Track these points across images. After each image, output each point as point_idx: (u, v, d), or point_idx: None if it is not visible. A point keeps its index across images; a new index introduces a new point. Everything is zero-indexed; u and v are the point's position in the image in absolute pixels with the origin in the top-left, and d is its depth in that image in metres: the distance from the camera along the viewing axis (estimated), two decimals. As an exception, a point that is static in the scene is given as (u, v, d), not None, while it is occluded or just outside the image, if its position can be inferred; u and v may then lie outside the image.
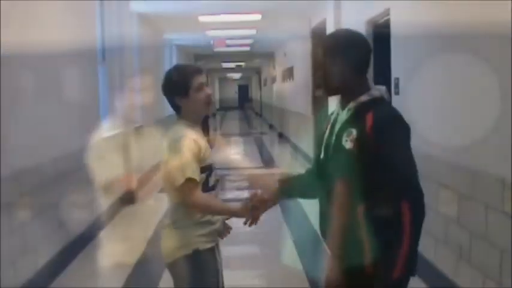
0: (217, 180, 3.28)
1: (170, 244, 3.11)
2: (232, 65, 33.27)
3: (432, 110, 5.21)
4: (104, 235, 7.52)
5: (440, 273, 4.95)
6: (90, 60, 7.92)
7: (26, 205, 5.16)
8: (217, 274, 3.14)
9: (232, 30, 15.76)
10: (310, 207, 9.08)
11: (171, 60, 17.86)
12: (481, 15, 4.16)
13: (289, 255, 6.51)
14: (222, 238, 3.35)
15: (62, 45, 6.52)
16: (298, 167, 13.75)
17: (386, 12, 6.64)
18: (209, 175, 3.14)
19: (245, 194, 10.79)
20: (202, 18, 12.85)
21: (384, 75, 6.70)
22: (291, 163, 14.79)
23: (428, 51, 5.29)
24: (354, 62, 2.62)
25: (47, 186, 5.70)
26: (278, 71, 22.77)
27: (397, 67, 6.26)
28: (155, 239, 7.40)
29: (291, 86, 18.10)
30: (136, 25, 11.79)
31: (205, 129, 14.38)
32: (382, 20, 7.09)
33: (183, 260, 3.06)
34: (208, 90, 3.18)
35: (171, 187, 3.03)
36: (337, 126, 2.64)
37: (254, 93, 49.61)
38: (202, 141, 3.12)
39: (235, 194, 11.01)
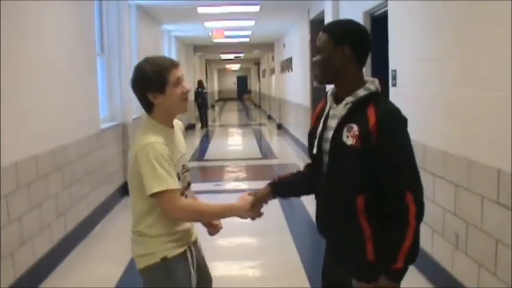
0: (188, 184, 3.09)
1: (138, 251, 2.95)
2: (231, 56, 33.21)
3: (428, 101, 5.23)
4: (101, 227, 7.55)
5: (437, 263, 4.99)
6: (89, 51, 7.93)
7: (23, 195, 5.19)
8: (189, 279, 2.96)
9: (231, 21, 15.75)
10: (308, 198, 9.13)
11: (170, 51, 17.85)
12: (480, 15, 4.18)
13: (287, 246, 6.54)
14: (212, 235, 3.32)
15: (61, 36, 6.54)
16: (297, 158, 13.80)
17: (384, 3, 6.65)
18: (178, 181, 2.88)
19: (244, 186, 10.85)
20: (201, 10, 12.84)
21: (381, 67, 6.72)
22: (290, 154, 14.82)
23: (425, 43, 5.31)
24: (359, 53, 2.62)
25: (45, 177, 5.71)
26: (277, 62, 22.77)
27: (394, 59, 6.27)
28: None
29: (289, 77, 18.12)
30: (135, 16, 11.80)
31: (203, 121, 14.63)
32: (380, 12, 7.10)
33: (152, 268, 2.90)
34: (186, 86, 2.96)
35: (140, 195, 2.83)
36: (333, 121, 2.63)
37: (253, 84, 49.60)
38: (171, 144, 2.90)
39: (233, 185, 11.05)
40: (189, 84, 22.45)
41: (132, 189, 2.92)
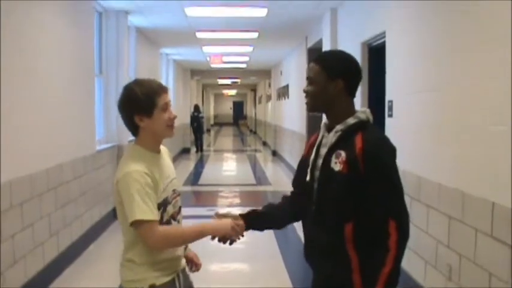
0: (179, 208, 3.04)
1: (127, 277, 2.90)
2: (228, 81, 33.33)
3: (423, 133, 5.25)
4: (93, 248, 7.53)
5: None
6: (87, 72, 7.96)
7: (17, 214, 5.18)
8: None
9: (229, 47, 15.84)
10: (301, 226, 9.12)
11: (167, 75, 17.92)
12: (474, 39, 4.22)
13: (278, 272, 6.52)
14: (192, 271, 3.27)
15: (59, 56, 6.57)
16: (291, 185, 13.77)
17: (382, 34, 6.71)
18: (163, 210, 2.85)
19: (238, 211, 10.81)
20: (200, 35, 12.92)
21: (378, 98, 6.77)
22: (284, 181, 14.82)
23: (421, 75, 5.35)
24: (351, 85, 2.67)
25: (39, 196, 5.71)
26: (273, 89, 22.86)
27: (391, 90, 6.31)
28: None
29: (286, 104, 18.18)
30: (134, 39, 11.86)
31: (199, 145, 14.60)
32: (377, 43, 7.16)
33: None
34: (173, 112, 2.91)
35: (126, 223, 2.78)
36: (324, 149, 2.67)
37: (249, 110, 49.71)
38: (158, 170, 2.85)
39: (226, 210, 11.02)
40: (185, 109, 22.54)
41: (120, 217, 2.89)
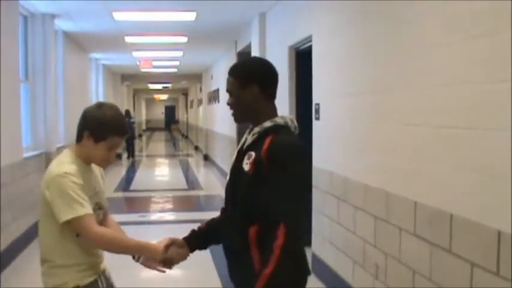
0: (98, 222, 3.00)
1: (50, 283, 2.95)
2: (159, 86, 33.14)
3: (349, 135, 5.35)
4: (21, 259, 7.37)
5: (357, 294, 5.09)
6: (12, 78, 7.79)
7: None
8: None
9: (159, 52, 15.77)
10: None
11: (97, 80, 17.71)
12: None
13: (209, 276, 6.52)
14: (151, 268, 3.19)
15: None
16: (222, 189, 13.81)
17: (309, 38, 6.81)
18: None
19: (170, 217, 10.79)
20: (129, 39, 12.82)
21: (306, 101, 6.85)
22: (216, 185, 14.83)
23: (346, 79, 5.45)
24: (266, 89, 2.72)
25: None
26: (204, 93, 22.84)
27: (318, 93, 6.41)
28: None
29: (216, 108, 18.20)
30: (62, 44, 11.67)
31: (130, 150, 14.51)
32: (305, 46, 7.26)
33: None
34: (114, 155, 3.02)
35: (52, 224, 2.86)
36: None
37: (181, 114, 49.51)
38: (85, 179, 2.93)
39: (158, 216, 10.97)
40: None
41: (43, 219, 2.94)
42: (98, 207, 3.03)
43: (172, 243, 3.06)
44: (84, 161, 3.00)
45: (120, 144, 3.01)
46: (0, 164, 6.82)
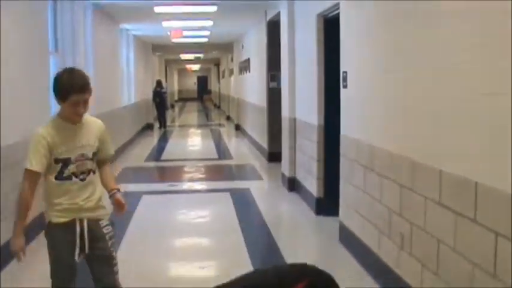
0: (88, 171, 3.71)
1: (46, 217, 3.71)
2: (190, 56, 33.11)
3: (376, 102, 5.29)
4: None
5: (383, 264, 5.05)
6: (41, 49, 7.83)
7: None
8: (66, 245, 3.66)
9: (189, 21, 15.70)
10: (261, 199, 9.16)
11: (128, 51, 17.74)
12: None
13: (238, 247, 6.55)
14: (116, 215, 3.89)
15: (12, 33, 6.44)
16: (252, 159, 13.84)
17: (337, 6, 6.71)
18: (63, 166, 3.61)
19: (200, 186, 10.84)
20: (158, 9, 12.78)
21: (334, 69, 6.78)
22: (246, 155, 14.85)
23: (374, 45, 5.37)
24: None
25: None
26: (236, 63, 22.78)
27: (345, 61, 6.33)
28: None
29: (247, 78, 18.15)
30: (91, 15, 11.67)
31: (162, 121, 14.64)
32: (333, 14, 7.17)
33: (46, 225, 3.72)
34: (80, 109, 3.57)
35: None
36: None
37: (213, 84, 49.54)
38: (63, 136, 3.60)
39: (188, 185, 11.03)
40: (146, 84, 22.39)
41: None
42: (83, 158, 3.68)
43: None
44: (65, 119, 3.64)
45: (80, 99, 3.52)
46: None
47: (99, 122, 3.90)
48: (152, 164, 14.09)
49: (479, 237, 3.39)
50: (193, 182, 11.41)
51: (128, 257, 6.12)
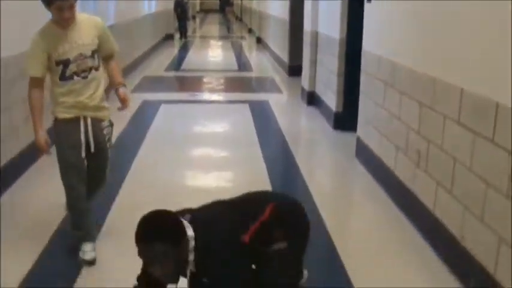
0: (90, 68, 3.89)
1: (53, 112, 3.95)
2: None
3: (399, 18, 5.18)
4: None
5: (399, 180, 5.07)
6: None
7: None
8: (72, 141, 3.87)
9: None
10: (280, 112, 9.16)
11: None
12: None
13: (256, 159, 6.59)
14: (119, 110, 4.12)
15: None
16: (272, 71, 13.77)
17: None
18: (64, 67, 3.80)
19: (219, 97, 10.85)
20: None
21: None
22: (266, 67, 14.76)
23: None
24: None
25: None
26: (259, -26, 22.34)
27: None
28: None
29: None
30: None
31: (182, 31, 14.54)
32: None
33: (53, 123, 3.96)
34: (65, 14, 3.70)
35: None
36: None
37: (236, -5, 48.75)
38: (57, 39, 3.78)
39: (208, 95, 11.03)
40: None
41: None
42: (82, 57, 3.85)
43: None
44: (56, 24, 3.80)
45: (64, 5, 3.66)
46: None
47: (95, 19, 4.06)
48: (172, 73, 14.06)
49: (496, 158, 3.38)
50: (213, 92, 11.41)
51: (144, 165, 6.21)
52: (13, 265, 3.89)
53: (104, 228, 4.51)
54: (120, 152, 6.42)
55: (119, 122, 7.74)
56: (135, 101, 9.64)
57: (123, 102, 4.12)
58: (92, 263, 3.93)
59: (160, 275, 2.64)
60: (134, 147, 6.82)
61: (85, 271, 3.88)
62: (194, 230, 2.64)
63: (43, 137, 3.84)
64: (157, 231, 2.59)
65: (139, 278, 3.01)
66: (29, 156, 5.72)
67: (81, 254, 3.96)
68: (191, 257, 2.60)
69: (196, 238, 2.62)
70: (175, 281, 2.73)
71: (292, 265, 2.91)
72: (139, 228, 2.62)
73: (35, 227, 4.56)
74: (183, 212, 2.78)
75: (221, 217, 2.79)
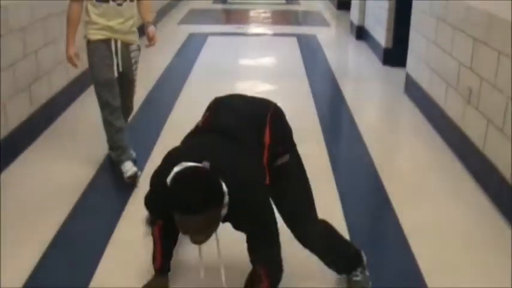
0: None
1: (84, 33, 4.12)
2: None
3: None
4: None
5: (448, 117, 5.01)
6: None
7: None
8: (104, 60, 4.05)
9: None
10: (328, 46, 9.07)
11: None
12: None
13: (304, 93, 6.57)
14: (146, 46, 4.27)
15: None
16: (320, 5, 13.55)
17: None
18: None
19: (266, 30, 10.75)
20: None
21: None
22: (315, 1, 14.53)
23: None
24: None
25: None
26: None
27: None
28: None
29: None
30: None
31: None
32: None
33: (86, 45, 4.12)
34: None
35: None
36: None
37: None
38: None
39: (254, 28, 10.94)
40: None
41: None
42: None
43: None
44: None
45: None
46: None
47: None
48: (219, 6, 13.94)
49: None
50: (260, 25, 11.32)
51: (190, 95, 6.24)
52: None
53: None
54: (167, 85, 6.46)
55: (167, 54, 7.81)
56: (182, 33, 9.64)
57: (150, 40, 4.24)
58: (135, 177, 4.08)
59: (205, 239, 2.41)
60: (180, 80, 6.84)
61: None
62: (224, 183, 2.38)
63: (73, 50, 4.06)
64: (207, 197, 2.28)
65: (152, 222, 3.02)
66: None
67: (124, 176, 4.11)
68: (224, 211, 2.41)
69: (229, 193, 2.37)
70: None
71: (302, 171, 2.88)
72: (186, 198, 2.26)
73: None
74: (198, 158, 2.42)
75: (241, 163, 2.52)
